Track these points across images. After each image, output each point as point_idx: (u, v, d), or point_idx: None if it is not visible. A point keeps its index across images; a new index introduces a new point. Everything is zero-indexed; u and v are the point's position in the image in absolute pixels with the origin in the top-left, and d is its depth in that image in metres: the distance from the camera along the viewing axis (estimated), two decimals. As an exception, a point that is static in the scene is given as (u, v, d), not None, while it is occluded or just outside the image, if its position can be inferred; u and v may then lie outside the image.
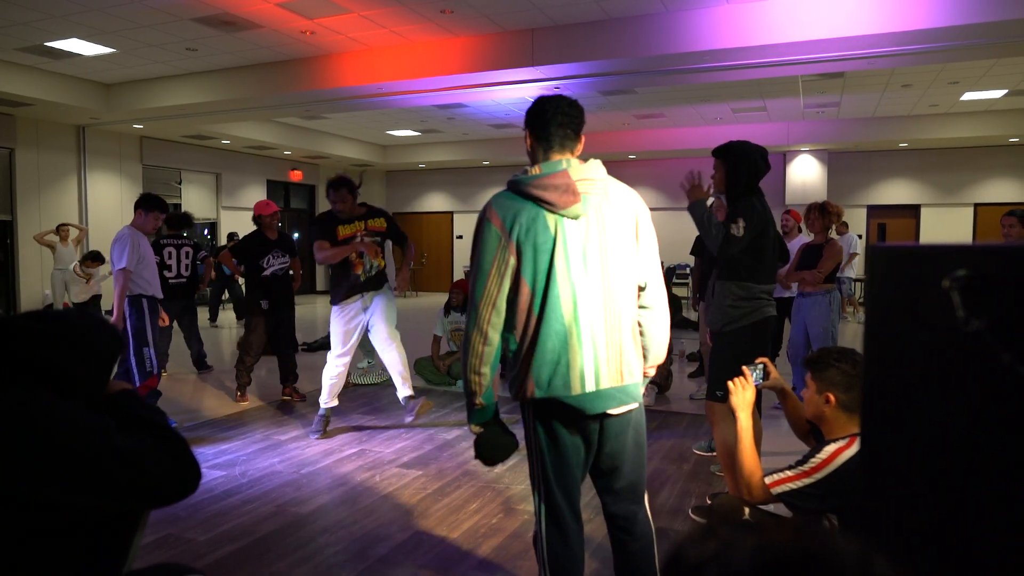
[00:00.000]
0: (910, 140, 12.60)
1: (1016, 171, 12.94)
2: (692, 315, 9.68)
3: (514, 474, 3.95)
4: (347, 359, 4.71)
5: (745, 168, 3.22)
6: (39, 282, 10.71)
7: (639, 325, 2.08)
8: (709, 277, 3.52)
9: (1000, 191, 13.04)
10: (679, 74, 7.96)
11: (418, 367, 6.36)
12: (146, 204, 4.95)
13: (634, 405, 2.03)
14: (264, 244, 5.70)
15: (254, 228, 5.79)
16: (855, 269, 11.15)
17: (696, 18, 6.89)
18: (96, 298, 8.87)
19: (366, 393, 6.09)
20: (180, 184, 13.31)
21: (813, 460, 2.03)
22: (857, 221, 13.71)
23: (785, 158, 13.81)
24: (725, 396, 2.36)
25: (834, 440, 2.06)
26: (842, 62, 7.39)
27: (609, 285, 1.96)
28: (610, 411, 1.97)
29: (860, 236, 12.94)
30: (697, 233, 4.71)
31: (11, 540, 1.20)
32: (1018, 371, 0.75)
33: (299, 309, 6.44)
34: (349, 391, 6.05)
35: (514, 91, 8.80)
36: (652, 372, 2.19)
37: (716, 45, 6.85)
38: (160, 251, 6.22)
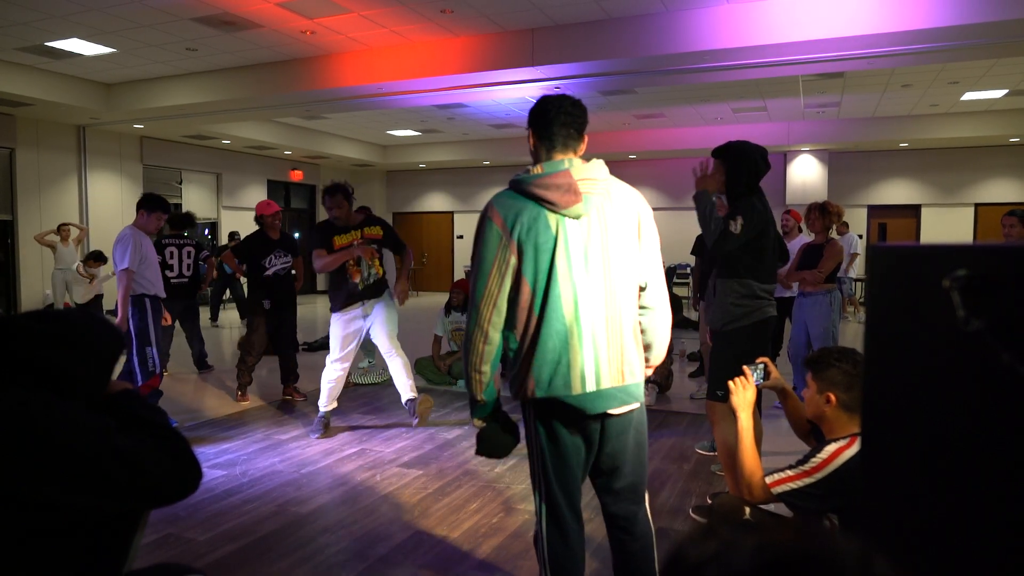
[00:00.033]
0: (910, 140, 12.59)
1: (1016, 171, 12.93)
2: (693, 315, 9.68)
3: (514, 473, 3.95)
4: (346, 364, 4.74)
5: (745, 168, 3.22)
6: (39, 282, 10.71)
7: (640, 325, 2.08)
8: (709, 277, 3.53)
9: (1000, 191, 13.04)
10: (679, 74, 7.96)
11: (419, 367, 6.37)
12: (149, 204, 4.94)
13: (635, 405, 2.03)
14: (266, 244, 5.70)
15: (256, 228, 5.80)
16: (856, 269, 11.15)
17: (696, 18, 6.89)
18: (98, 298, 8.88)
19: (366, 393, 6.09)
20: (180, 184, 13.31)
21: (814, 460, 2.03)
22: (857, 221, 13.71)
23: (785, 158, 13.81)
24: (726, 396, 2.36)
25: (834, 440, 2.06)
26: (842, 62, 7.38)
27: (610, 285, 1.96)
28: (611, 411, 1.97)
29: (860, 236, 12.94)
30: (697, 233, 4.71)
31: (11, 540, 1.20)
32: (1018, 371, 0.75)
33: (300, 309, 6.44)
34: (349, 391, 6.06)
35: (514, 91, 8.80)
36: (650, 372, 2.19)
37: (716, 45, 6.85)
38: (162, 251, 6.22)
